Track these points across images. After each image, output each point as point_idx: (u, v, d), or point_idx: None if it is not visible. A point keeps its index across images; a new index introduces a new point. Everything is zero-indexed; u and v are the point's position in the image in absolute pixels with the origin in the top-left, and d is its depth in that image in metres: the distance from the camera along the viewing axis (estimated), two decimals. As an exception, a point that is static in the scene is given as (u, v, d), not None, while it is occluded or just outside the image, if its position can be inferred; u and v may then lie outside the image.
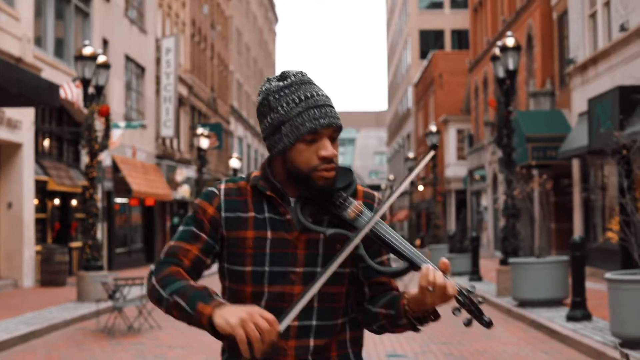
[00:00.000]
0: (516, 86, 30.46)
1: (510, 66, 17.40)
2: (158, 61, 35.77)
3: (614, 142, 11.99)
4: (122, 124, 26.44)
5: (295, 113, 2.45)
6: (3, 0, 19.72)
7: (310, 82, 2.52)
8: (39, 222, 22.98)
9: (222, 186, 2.59)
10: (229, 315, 2.24)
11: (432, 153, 2.45)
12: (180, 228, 2.56)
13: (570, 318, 12.59)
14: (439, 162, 47.77)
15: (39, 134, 23.02)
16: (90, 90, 18.13)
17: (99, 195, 18.61)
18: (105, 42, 28.25)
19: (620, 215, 12.78)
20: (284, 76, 2.54)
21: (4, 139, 19.74)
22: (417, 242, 38.88)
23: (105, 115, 18.28)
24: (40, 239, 23.01)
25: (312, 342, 2.49)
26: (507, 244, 17.39)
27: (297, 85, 2.49)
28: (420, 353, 10.78)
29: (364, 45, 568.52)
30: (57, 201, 24.81)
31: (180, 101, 38.90)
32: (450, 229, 38.81)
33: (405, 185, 2.46)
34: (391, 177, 77.50)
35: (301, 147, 2.45)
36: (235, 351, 2.45)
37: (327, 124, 2.45)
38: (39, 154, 22.97)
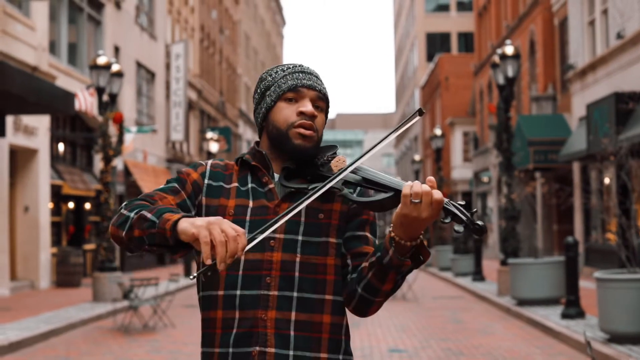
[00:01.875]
0: (516, 92, 31.06)
1: (510, 74, 17.99)
2: (168, 66, 36.47)
3: (601, 149, 12.59)
4: (134, 128, 27.16)
5: (280, 76, 2.53)
6: (19, 10, 20.40)
7: (302, 67, 2.59)
8: (54, 225, 23.69)
9: (210, 161, 2.62)
10: (196, 220, 2.18)
11: (417, 116, 2.35)
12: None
13: (564, 316, 13.20)
14: (445, 165, 48.37)
15: (53, 140, 23.70)
16: (105, 98, 18.81)
17: (112, 199, 19.24)
18: (116, 49, 28.95)
19: (617, 218, 13.38)
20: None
21: (21, 145, 20.43)
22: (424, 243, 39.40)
23: (119, 122, 18.96)
24: (56, 241, 23.73)
25: (293, 316, 2.40)
26: (507, 245, 17.98)
27: (288, 67, 2.58)
28: (420, 348, 11.40)
29: (371, 48, 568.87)
30: (71, 205, 25.51)
31: (190, 105, 39.60)
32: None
33: (386, 142, 2.39)
34: (398, 179, 77.95)
35: (282, 105, 2.50)
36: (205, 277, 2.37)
37: (309, 85, 2.51)
38: (54, 158, 23.65)
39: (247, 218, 2.46)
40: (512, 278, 16.03)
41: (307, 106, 2.49)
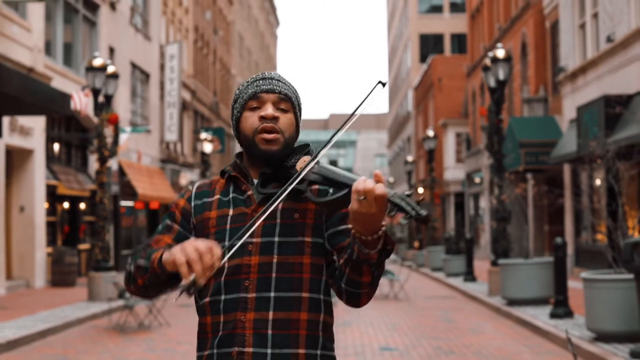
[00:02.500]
0: (508, 94, 31.32)
1: (501, 76, 18.22)
2: (162, 67, 36.64)
3: (588, 151, 12.83)
4: (128, 129, 27.34)
5: (244, 87, 2.66)
6: (15, 12, 20.57)
7: (271, 73, 2.72)
8: (50, 225, 23.85)
9: (197, 183, 2.79)
10: (173, 247, 2.38)
11: (378, 86, 2.48)
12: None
13: (553, 315, 13.44)
14: (437, 165, 48.65)
15: (48, 140, 23.86)
16: (100, 99, 19.00)
17: (107, 199, 19.43)
18: (111, 50, 29.12)
19: (604, 220, 13.62)
20: None
21: (16, 145, 20.60)
22: (416, 244, 39.70)
23: (115, 123, 19.15)
24: (51, 241, 23.90)
25: (271, 315, 2.51)
26: (498, 245, 18.21)
27: (256, 75, 2.72)
28: (411, 347, 11.63)
29: (364, 48, 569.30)
30: (66, 205, 25.67)
31: (184, 106, 39.78)
32: (450, 231, 39.62)
33: (348, 125, 2.50)
34: (391, 179, 78.35)
35: (247, 115, 2.62)
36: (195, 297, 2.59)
37: (267, 89, 2.61)
38: (49, 159, 23.81)
39: (228, 227, 2.58)
40: (502, 278, 16.27)
41: (267, 110, 2.59)
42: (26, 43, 20.72)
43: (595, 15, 21.64)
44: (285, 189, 2.44)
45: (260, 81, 2.65)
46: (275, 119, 2.59)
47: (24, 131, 20.88)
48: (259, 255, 2.53)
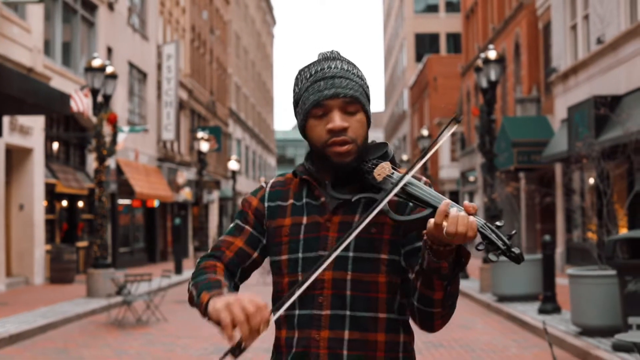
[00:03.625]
0: (502, 94, 31.66)
1: (493, 77, 18.57)
2: (159, 67, 36.96)
3: (575, 152, 13.20)
4: (126, 128, 27.65)
5: (304, 89, 2.40)
6: (15, 13, 20.87)
7: (333, 58, 2.44)
8: (48, 223, 24.18)
9: (272, 180, 2.59)
10: (219, 301, 2.16)
11: (454, 125, 2.29)
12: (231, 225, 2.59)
13: (541, 311, 13.81)
14: (432, 164, 49.04)
15: (47, 139, 24.17)
16: (99, 99, 19.33)
17: (105, 198, 19.77)
18: (109, 50, 29.43)
19: (590, 218, 13.99)
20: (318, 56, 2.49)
21: (16, 144, 20.91)
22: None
23: (113, 122, 19.47)
24: (50, 238, 24.23)
25: (346, 335, 2.35)
26: (489, 243, 18.52)
27: (317, 62, 2.44)
28: (402, 341, 11.97)
29: (361, 47, 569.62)
30: (64, 203, 26.00)
31: (181, 105, 40.09)
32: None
33: (433, 150, 2.32)
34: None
35: (313, 123, 2.38)
36: (275, 353, 2.48)
37: (331, 95, 2.35)
38: (48, 157, 24.11)
39: (301, 237, 2.43)
40: (493, 275, 16.64)
41: (335, 121, 2.35)
42: (26, 44, 21.02)
43: (586, 17, 21.99)
44: (363, 220, 2.22)
45: (321, 82, 2.37)
46: (344, 130, 2.35)
47: (24, 130, 21.19)
48: (332, 271, 2.36)
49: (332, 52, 2.46)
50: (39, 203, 22.40)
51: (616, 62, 19.29)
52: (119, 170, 29.54)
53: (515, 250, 2.08)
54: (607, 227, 11.69)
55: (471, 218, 2.09)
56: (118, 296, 16.28)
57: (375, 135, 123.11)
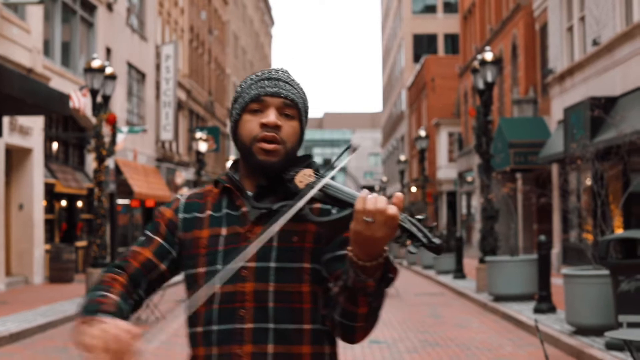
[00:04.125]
0: (499, 95, 31.79)
1: (489, 79, 18.71)
2: (158, 67, 37.11)
3: (570, 154, 13.34)
4: (125, 128, 27.82)
5: (247, 86, 2.36)
6: (15, 14, 21.00)
7: (276, 74, 2.40)
8: (48, 223, 24.32)
9: (187, 192, 2.52)
10: (94, 326, 2.07)
11: (347, 153, 2.30)
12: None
13: (537, 310, 13.96)
14: (430, 165, 49.21)
15: (46, 139, 24.31)
16: (99, 99, 19.47)
17: (105, 198, 19.90)
18: (108, 51, 29.57)
19: (584, 219, 14.13)
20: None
21: (16, 144, 21.04)
22: (408, 242, 40.12)
23: (113, 123, 19.61)
24: (49, 238, 24.37)
25: (271, 348, 2.26)
26: (486, 243, 18.71)
27: (261, 71, 2.42)
28: (399, 340, 12.13)
29: (359, 48, 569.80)
30: (63, 203, 26.13)
31: (179, 105, 40.24)
32: (441, 230, 40.11)
33: (341, 165, 2.24)
34: (384, 178, 78.90)
35: (247, 118, 2.33)
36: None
37: (272, 93, 2.32)
38: (47, 157, 24.25)
39: (220, 248, 2.33)
40: (489, 275, 16.78)
41: (269, 116, 2.31)
42: (25, 44, 21.14)
43: (582, 19, 22.14)
44: (282, 218, 2.11)
45: (266, 81, 2.35)
46: (277, 127, 2.31)
47: (24, 131, 21.31)
48: (254, 282, 2.27)
49: (282, 70, 2.43)
50: (39, 203, 22.53)
51: (612, 63, 19.44)
52: (117, 170, 29.68)
53: (436, 241, 2.02)
54: (601, 227, 11.82)
55: (391, 206, 2.00)
56: (117, 295, 16.39)
57: (374, 135, 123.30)
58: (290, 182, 2.29)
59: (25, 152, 21.98)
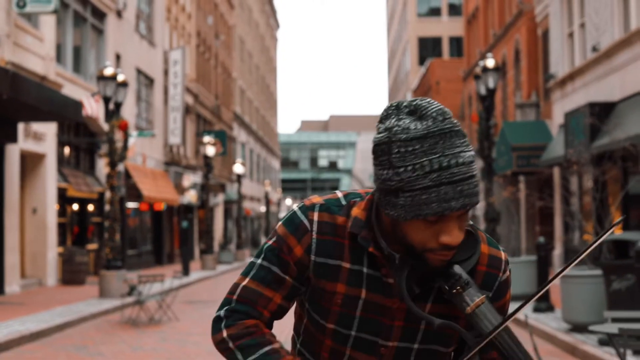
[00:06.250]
0: (502, 99, 32.24)
1: (491, 85, 19.21)
2: (166, 72, 37.69)
3: (565, 158, 13.84)
4: (134, 133, 28.37)
5: (420, 186, 1.88)
6: (28, 22, 21.56)
7: (451, 134, 1.92)
8: (60, 226, 24.89)
9: (315, 216, 2.09)
10: None
11: (611, 229, 1.94)
12: (258, 262, 2.12)
13: (535, 309, 14.48)
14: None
15: (59, 145, 24.86)
16: (111, 107, 20.03)
17: (117, 201, 20.47)
18: (118, 57, 30.15)
19: (579, 221, 14.64)
20: (420, 114, 1.95)
21: (30, 150, 21.61)
22: None
23: (124, 129, 20.17)
24: (61, 241, 24.94)
25: None
26: (488, 245, 19.16)
27: (432, 139, 1.89)
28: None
29: (364, 50, 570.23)
30: (75, 206, 26.70)
31: (187, 109, 40.81)
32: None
33: (572, 265, 1.95)
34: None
35: (419, 225, 1.94)
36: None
37: (459, 207, 1.89)
38: (60, 162, 24.80)
39: (357, 314, 2.07)
40: (490, 276, 17.24)
41: (453, 235, 1.94)
42: (39, 52, 21.70)
43: (582, 25, 22.63)
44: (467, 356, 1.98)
45: (449, 189, 1.88)
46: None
47: (37, 136, 21.87)
48: None
49: (443, 114, 1.95)
50: (52, 207, 23.09)
51: (611, 69, 19.92)
52: (127, 175, 30.24)
53: None
54: (597, 229, 12.33)
55: None
56: (129, 296, 16.97)
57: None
58: (456, 298, 2.00)
59: (39, 158, 22.54)
